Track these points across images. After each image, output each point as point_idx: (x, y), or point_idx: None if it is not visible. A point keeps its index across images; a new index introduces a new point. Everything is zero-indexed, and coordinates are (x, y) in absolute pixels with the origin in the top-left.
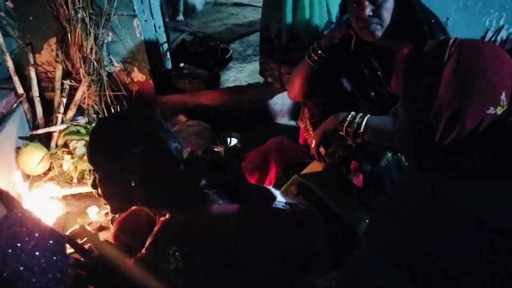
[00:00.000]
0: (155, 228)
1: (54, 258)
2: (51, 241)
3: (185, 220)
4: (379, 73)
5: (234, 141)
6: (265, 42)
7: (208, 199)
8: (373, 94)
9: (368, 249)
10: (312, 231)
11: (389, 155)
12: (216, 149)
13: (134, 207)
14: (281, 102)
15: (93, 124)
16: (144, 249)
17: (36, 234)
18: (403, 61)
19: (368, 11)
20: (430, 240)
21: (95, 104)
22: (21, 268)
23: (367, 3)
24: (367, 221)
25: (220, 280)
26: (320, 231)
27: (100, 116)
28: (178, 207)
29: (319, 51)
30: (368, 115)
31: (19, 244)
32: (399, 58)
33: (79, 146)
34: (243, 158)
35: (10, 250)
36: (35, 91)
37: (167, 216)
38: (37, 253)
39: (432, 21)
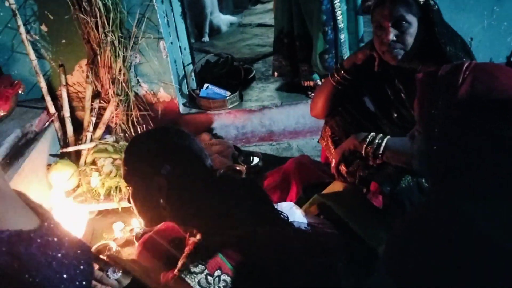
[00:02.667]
0: (187, 249)
1: (81, 267)
2: (79, 251)
3: (217, 243)
4: (402, 94)
5: (255, 160)
6: (278, 42)
7: (239, 220)
8: (395, 115)
9: (384, 272)
10: (334, 254)
11: (409, 177)
12: (238, 168)
13: (160, 226)
14: (302, 121)
15: (121, 142)
16: (176, 270)
17: (66, 244)
18: (418, 85)
19: (392, 36)
20: (446, 265)
21: (123, 123)
22: (52, 275)
23: (391, 28)
24: None
25: None
26: (341, 254)
27: (127, 135)
28: (209, 228)
29: (342, 72)
30: (388, 136)
31: (50, 253)
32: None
33: (107, 163)
34: (264, 177)
35: (42, 258)
36: (66, 111)
37: (198, 237)
38: (66, 262)
39: (457, 43)
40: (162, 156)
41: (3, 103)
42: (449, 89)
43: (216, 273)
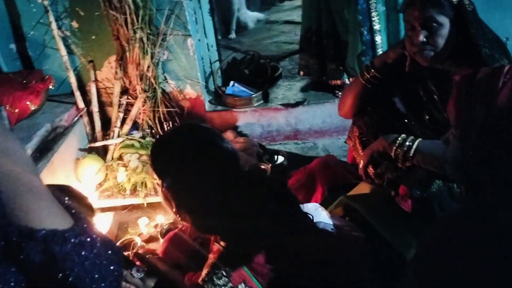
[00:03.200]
0: (211, 256)
1: (112, 267)
2: (109, 251)
3: (241, 254)
4: (435, 96)
5: (280, 159)
6: (305, 40)
7: (264, 227)
8: (427, 117)
9: (413, 279)
10: (360, 259)
11: (440, 181)
12: (263, 167)
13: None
14: (329, 120)
15: (148, 138)
16: (200, 279)
17: (98, 244)
18: (454, 89)
19: (422, 37)
20: (480, 274)
21: (149, 119)
22: (84, 275)
23: (421, 29)
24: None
25: None
26: (368, 259)
27: (153, 131)
28: (233, 237)
29: (373, 71)
30: (419, 139)
31: (83, 253)
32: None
33: (133, 159)
34: (289, 176)
35: (76, 258)
36: (95, 106)
37: (222, 244)
38: (97, 262)
39: (494, 44)
40: (167, 168)
41: (34, 97)
42: (488, 93)
43: (240, 287)
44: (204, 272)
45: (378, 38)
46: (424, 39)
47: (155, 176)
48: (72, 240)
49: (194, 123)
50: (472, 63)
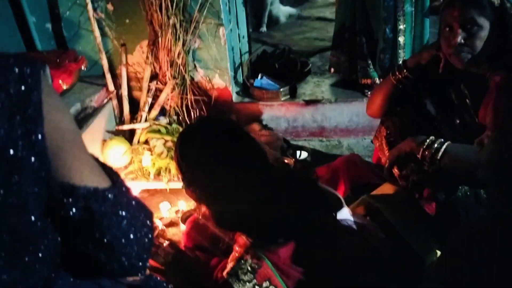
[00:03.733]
0: (236, 249)
1: (145, 229)
2: (143, 215)
3: (266, 250)
4: (467, 100)
5: (304, 154)
6: (338, 37)
7: (291, 224)
8: (458, 121)
9: (437, 283)
10: (380, 259)
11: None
12: (286, 161)
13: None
14: (356, 119)
15: (174, 125)
16: (225, 272)
17: (134, 206)
18: (495, 90)
19: (460, 38)
20: (507, 280)
21: (177, 106)
22: (120, 235)
23: (460, 30)
24: (437, 251)
25: None
26: (387, 260)
27: (180, 118)
28: (259, 232)
29: (405, 71)
30: (448, 142)
31: (120, 213)
32: (491, 86)
33: (159, 144)
34: (314, 173)
35: (113, 217)
36: (124, 90)
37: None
38: (133, 222)
39: None
40: (192, 159)
41: (66, 76)
42: None
43: (264, 284)
44: (230, 265)
45: (401, 39)
46: (462, 41)
47: (179, 166)
48: (112, 199)
49: (222, 116)
50: (509, 68)
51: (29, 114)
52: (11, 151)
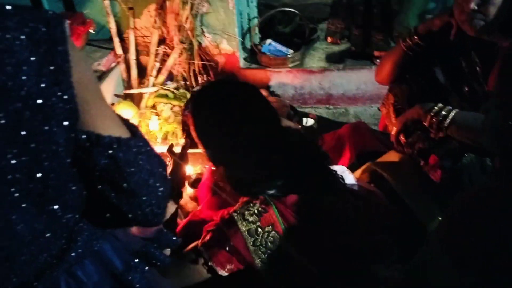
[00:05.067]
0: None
1: (162, 179)
2: (160, 165)
3: (274, 199)
4: (477, 68)
5: (310, 121)
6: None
7: (298, 183)
8: (467, 89)
9: (437, 247)
10: (383, 224)
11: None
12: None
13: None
14: (363, 87)
15: (181, 90)
16: (233, 209)
17: (154, 156)
18: (502, 56)
19: (473, 4)
20: (507, 246)
21: (184, 71)
22: (142, 183)
23: None
24: (440, 218)
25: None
26: (390, 225)
27: (187, 83)
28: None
29: (416, 37)
30: (456, 109)
31: (141, 162)
32: (500, 54)
33: (166, 109)
34: (320, 139)
35: (136, 165)
36: (132, 54)
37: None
38: (154, 171)
39: None
40: (207, 118)
41: (74, 39)
42: None
43: (267, 228)
44: (238, 205)
45: None
46: (475, 7)
47: (190, 123)
48: (134, 149)
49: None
50: None
51: (58, 64)
52: (40, 100)
